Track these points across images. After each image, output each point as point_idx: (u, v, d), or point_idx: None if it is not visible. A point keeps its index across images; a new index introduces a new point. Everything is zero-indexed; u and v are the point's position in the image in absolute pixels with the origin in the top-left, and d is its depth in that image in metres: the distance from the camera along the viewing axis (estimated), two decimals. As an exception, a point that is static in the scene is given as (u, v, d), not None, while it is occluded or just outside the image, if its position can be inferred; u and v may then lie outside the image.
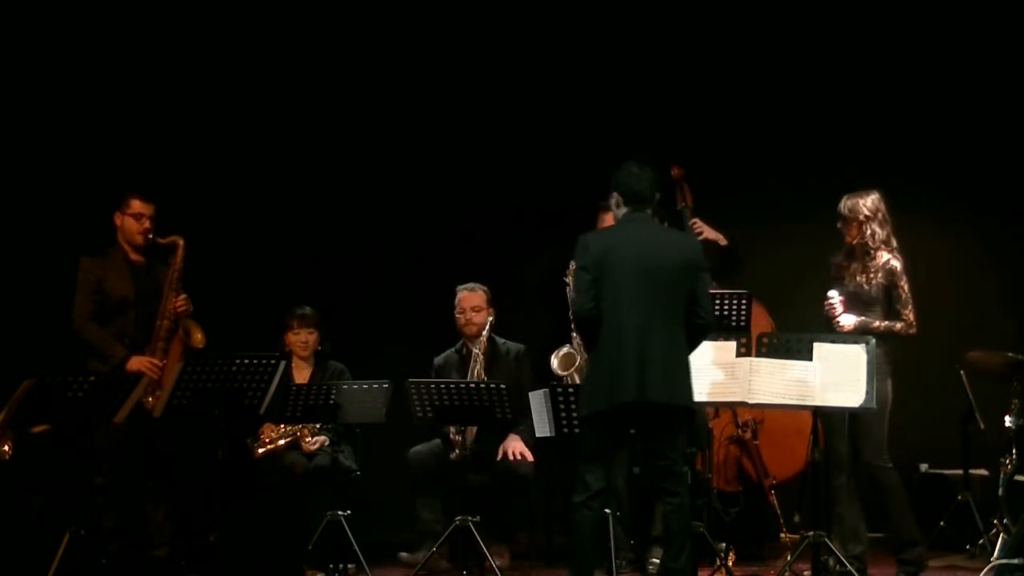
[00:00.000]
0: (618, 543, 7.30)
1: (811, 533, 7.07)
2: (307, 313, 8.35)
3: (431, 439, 8.23)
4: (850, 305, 7.41)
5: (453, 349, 8.40)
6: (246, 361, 7.05)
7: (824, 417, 7.19)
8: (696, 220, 8.37)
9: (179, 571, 7.67)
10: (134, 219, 7.66)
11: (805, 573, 7.31)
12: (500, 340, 8.37)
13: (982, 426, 8.26)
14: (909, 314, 7.39)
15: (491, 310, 8.33)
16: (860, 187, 7.50)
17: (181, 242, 7.66)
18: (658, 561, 7.26)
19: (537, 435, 7.69)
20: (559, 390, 7.36)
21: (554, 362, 8.20)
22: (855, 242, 7.45)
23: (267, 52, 9.30)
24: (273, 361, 7.12)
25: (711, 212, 8.44)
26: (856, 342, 7.00)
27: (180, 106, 9.13)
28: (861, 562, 7.38)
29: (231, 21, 9.22)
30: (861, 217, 7.42)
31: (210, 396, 7.01)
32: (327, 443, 8.04)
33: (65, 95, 8.93)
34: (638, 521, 7.72)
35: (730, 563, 7.69)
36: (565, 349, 8.20)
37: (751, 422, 8.36)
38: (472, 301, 8.31)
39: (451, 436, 8.06)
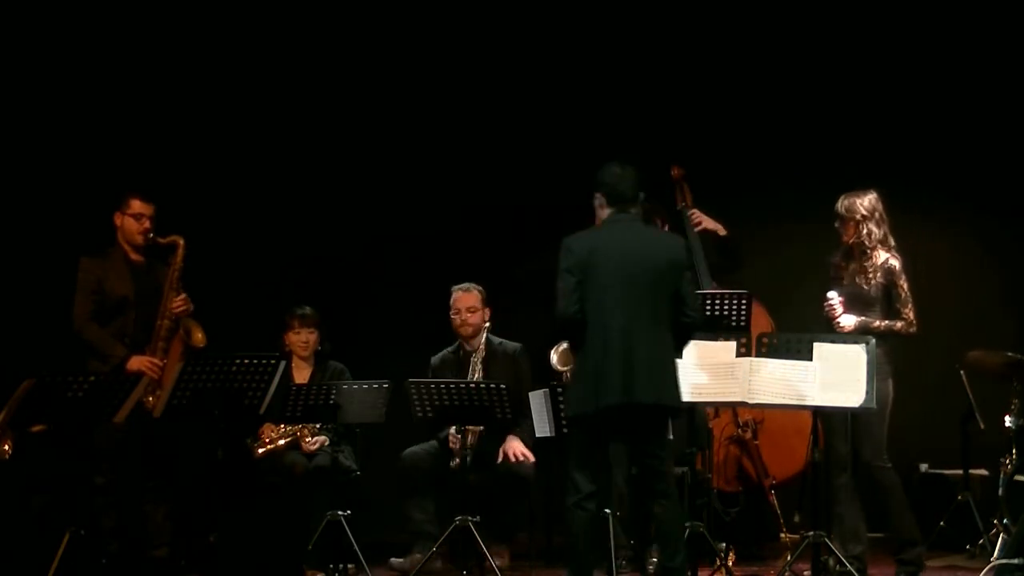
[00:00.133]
0: (618, 543, 7.30)
1: (811, 533, 7.07)
2: (307, 313, 8.34)
3: (428, 440, 8.23)
4: (850, 305, 7.41)
5: (450, 349, 8.39)
6: (246, 361, 7.05)
7: (824, 417, 7.19)
8: (695, 211, 8.37)
9: (179, 571, 7.67)
10: (134, 219, 7.65)
11: (805, 573, 7.30)
12: (497, 340, 8.36)
13: (982, 426, 8.26)
14: (909, 313, 7.39)
15: (487, 310, 8.32)
16: (860, 187, 7.50)
17: (181, 242, 7.66)
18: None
19: (537, 435, 7.69)
20: (559, 390, 7.36)
21: (553, 357, 8.18)
22: (852, 241, 7.45)
23: (267, 52, 9.30)
24: (273, 361, 7.11)
25: (711, 212, 8.43)
26: (856, 342, 7.00)
27: (180, 106, 9.14)
28: (861, 562, 7.38)
29: (231, 21, 9.23)
30: (858, 216, 7.42)
31: (210, 396, 7.00)
32: (327, 443, 8.04)
33: (65, 95, 8.94)
34: (638, 521, 7.72)
35: (730, 563, 7.68)
36: (564, 345, 8.17)
37: (751, 422, 8.35)
38: (467, 302, 8.30)
39: (450, 445, 8.04)
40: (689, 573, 7.10)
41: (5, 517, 7.67)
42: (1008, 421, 8.04)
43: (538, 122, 9.41)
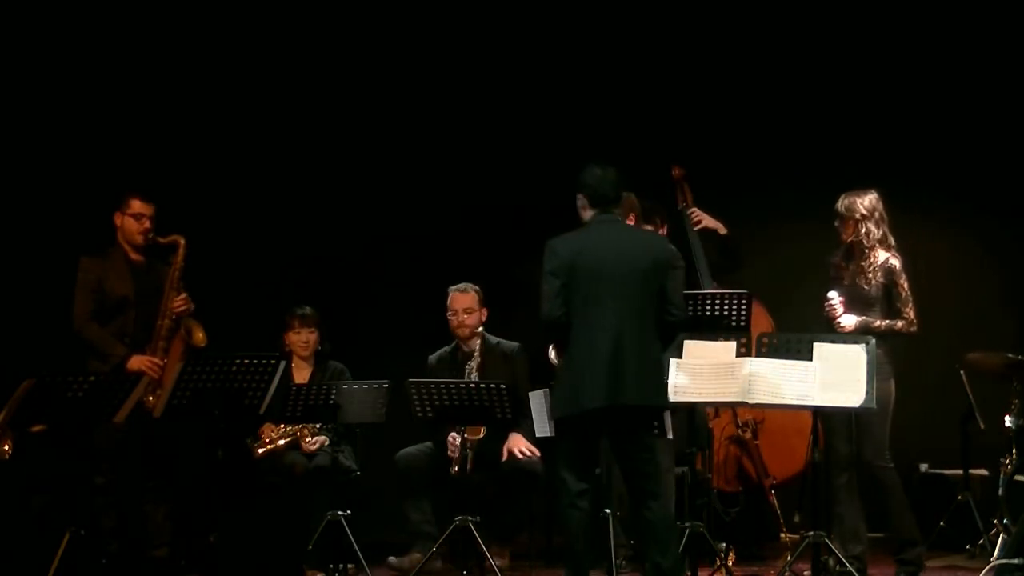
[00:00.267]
0: (618, 542, 7.30)
1: (811, 533, 7.06)
2: (307, 313, 8.34)
3: (425, 441, 8.22)
4: (850, 305, 7.41)
5: (447, 348, 8.38)
6: (246, 361, 7.04)
7: (824, 417, 7.19)
8: (694, 209, 8.38)
9: (179, 571, 7.67)
10: (134, 219, 7.66)
11: (805, 573, 7.30)
12: (494, 339, 8.35)
13: (982, 426, 8.26)
14: (910, 312, 7.39)
15: (484, 310, 8.31)
16: (860, 187, 7.50)
17: (182, 241, 7.66)
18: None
19: (537, 435, 7.69)
20: (558, 390, 7.35)
21: (551, 353, 8.17)
22: (851, 240, 7.45)
23: (267, 52, 9.30)
24: (273, 361, 7.11)
25: (711, 212, 8.43)
26: (856, 342, 7.00)
27: (180, 106, 9.14)
28: (861, 562, 7.38)
29: (231, 21, 9.23)
30: (857, 215, 7.42)
31: (210, 396, 7.00)
32: (327, 443, 8.04)
33: (65, 95, 8.94)
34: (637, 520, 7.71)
35: (730, 563, 7.68)
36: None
37: (751, 422, 8.35)
38: (464, 302, 8.29)
39: (449, 453, 8.01)
40: (689, 573, 7.11)
41: (5, 517, 7.67)
42: (1008, 421, 8.04)
43: (538, 122, 9.40)
